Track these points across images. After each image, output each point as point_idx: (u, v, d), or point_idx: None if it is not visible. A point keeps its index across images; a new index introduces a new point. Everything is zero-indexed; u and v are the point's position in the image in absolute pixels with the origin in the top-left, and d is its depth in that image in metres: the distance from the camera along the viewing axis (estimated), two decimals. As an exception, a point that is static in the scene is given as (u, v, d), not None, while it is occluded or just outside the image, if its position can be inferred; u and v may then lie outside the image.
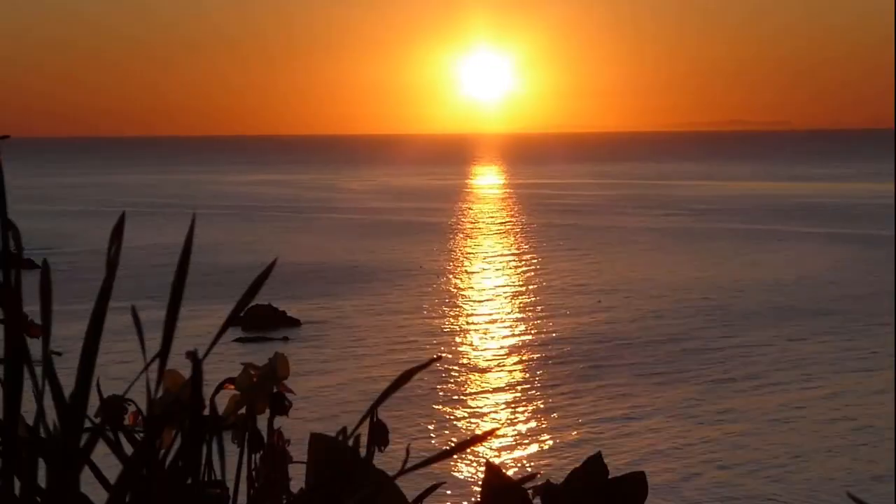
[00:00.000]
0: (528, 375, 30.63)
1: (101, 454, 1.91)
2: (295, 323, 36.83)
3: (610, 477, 2.47)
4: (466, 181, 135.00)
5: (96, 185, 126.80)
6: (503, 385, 29.63)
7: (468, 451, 21.86)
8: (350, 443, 2.06)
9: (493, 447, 23.69)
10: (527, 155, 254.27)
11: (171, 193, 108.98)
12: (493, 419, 26.13)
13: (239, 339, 34.02)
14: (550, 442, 24.50)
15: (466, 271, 51.27)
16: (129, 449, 1.96)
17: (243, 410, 2.24)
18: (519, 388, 29.37)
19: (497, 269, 52.30)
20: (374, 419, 2.27)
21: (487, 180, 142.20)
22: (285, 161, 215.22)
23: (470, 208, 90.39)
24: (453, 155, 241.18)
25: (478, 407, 27.44)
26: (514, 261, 55.75)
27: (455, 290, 44.95)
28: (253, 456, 2.23)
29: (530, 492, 2.42)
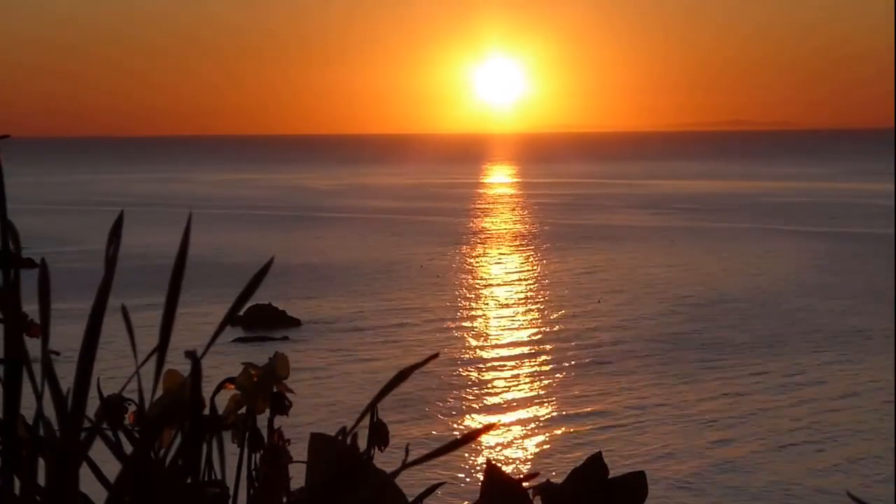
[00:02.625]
0: (527, 374, 30.63)
1: (102, 454, 1.90)
2: (295, 323, 36.82)
3: (610, 476, 2.47)
4: (469, 181, 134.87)
5: (96, 183, 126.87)
6: (502, 384, 29.63)
7: (468, 449, 21.89)
8: (349, 441, 2.05)
9: (494, 446, 23.70)
10: (530, 154, 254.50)
11: (174, 193, 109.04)
12: (493, 418, 26.12)
13: (239, 339, 34.03)
14: (550, 440, 24.50)
15: (466, 271, 51.27)
16: (129, 448, 1.96)
17: (243, 410, 2.24)
18: (518, 386, 29.37)
19: (496, 269, 52.30)
20: (374, 419, 2.27)
21: (490, 179, 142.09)
22: (301, 159, 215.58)
23: (471, 208, 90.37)
24: (462, 155, 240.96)
25: (477, 405, 27.44)
26: (514, 260, 55.76)
27: (454, 290, 44.94)
28: (253, 456, 2.22)
29: (530, 491, 2.42)
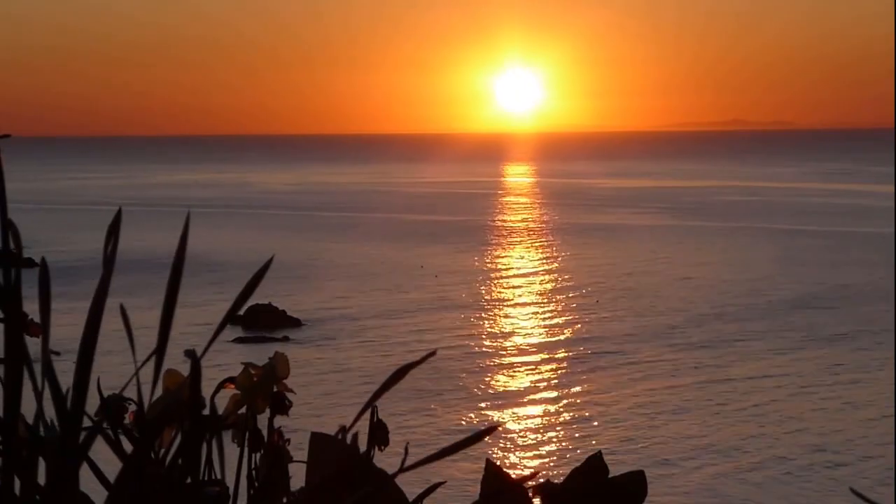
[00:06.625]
0: (526, 373, 30.63)
1: (102, 454, 1.90)
2: (295, 322, 36.80)
3: (610, 476, 2.47)
4: (471, 180, 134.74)
5: (96, 181, 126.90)
6: (501, 383, 29.63)
7: (468, 449, 21.83)
8: (349, 440, 2.05)
9: (493, 445, 23.69)
10: (537, 153, 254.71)
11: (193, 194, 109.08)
12: (493, 417, 26.12)
13: (239, 339, 34.02)
14: (550, 440, 24.50)
15: (465, 270, 51.25)
16: (129, 448, 1.96)
17: (243, 410, 2.24)
18: (517, 385, 29.37)
19: (495, 268, 52.29)
20: (375, 419, 2.27)
21: (494, 178, 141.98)
22: (332, 158, 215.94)
23: (472, 207, 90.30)
24: (472, 155, 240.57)
25: (477, 404, 27.43)
26: (512, 259, 55.75)
27: (453, 289, 44.93)
28: (253, 456, 2.22)
29: (530, 491, 2.42)
